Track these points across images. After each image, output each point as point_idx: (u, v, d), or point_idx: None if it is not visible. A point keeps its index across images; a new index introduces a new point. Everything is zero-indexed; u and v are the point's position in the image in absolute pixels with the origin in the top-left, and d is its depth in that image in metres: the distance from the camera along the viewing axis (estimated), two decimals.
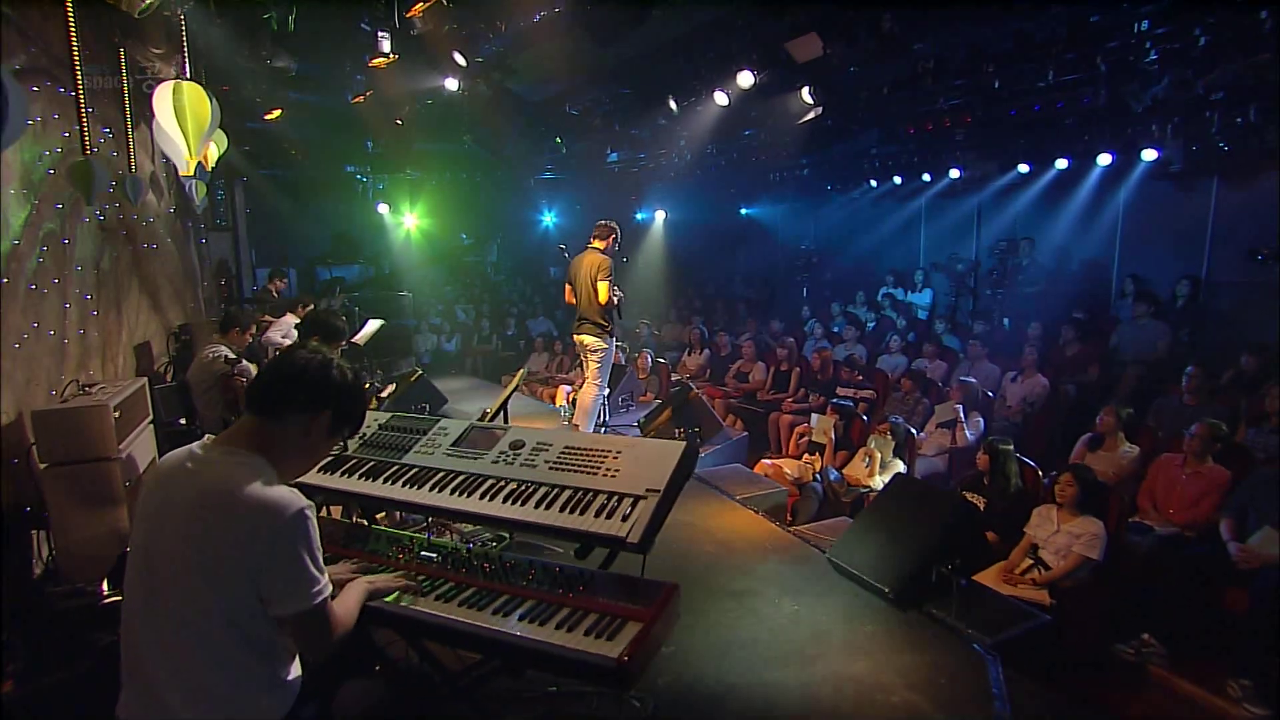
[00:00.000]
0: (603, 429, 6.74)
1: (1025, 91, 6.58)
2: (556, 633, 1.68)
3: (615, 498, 1.88)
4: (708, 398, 8.35)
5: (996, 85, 6.32)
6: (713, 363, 9.34)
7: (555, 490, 1.97)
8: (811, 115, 7.23)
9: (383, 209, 13.98)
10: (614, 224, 5.69)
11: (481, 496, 2.00)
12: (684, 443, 1.97)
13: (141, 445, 3.55)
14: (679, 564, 3.80)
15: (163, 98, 3.63)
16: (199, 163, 5.58)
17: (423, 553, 2.08)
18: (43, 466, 3.09)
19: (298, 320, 6.84)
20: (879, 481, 5.26)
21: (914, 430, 5.62)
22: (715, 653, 2.94)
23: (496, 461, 2.12)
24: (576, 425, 5.78)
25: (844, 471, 5.61)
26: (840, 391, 7.25)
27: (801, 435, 6.50)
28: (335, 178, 12.74)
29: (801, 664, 2.85)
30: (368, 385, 4.23)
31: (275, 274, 9.35)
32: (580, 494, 1.93)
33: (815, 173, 10.97)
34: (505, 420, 3.93)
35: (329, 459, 2.25)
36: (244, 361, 4.33)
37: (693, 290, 14.07)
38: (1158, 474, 4.47)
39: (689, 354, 9.74)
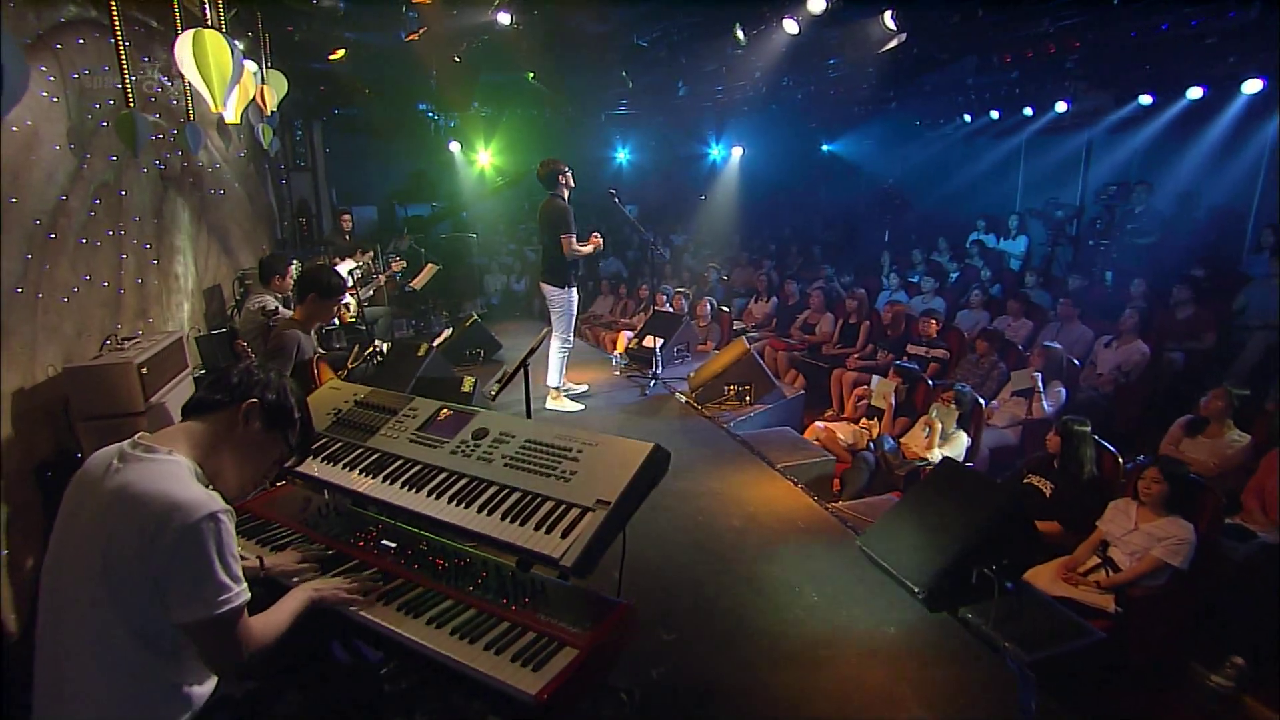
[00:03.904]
0: (653, 382, 6.57)
1: (1151, 7, 5.57)
2: (483, 654, 1.54)
3: (562, 507, 1.70)
4: (770, 349, 8.01)
5: (1115, 1, 5.36)
6: (779, 311, 8.91)
7: (504, 492, 1.81)
8: (894, 43, 6.48)
9: (454, 147, 13.95)
10: (557, 162, 5.40)
11: (430, 493, 1.87)
12: (650, 445, 1.75)
13: (177, 397, 3.66)
14: (700, 538, 3.64)
15: (183, 46, 3.56)
16: (250, 106, 5.63)
17: (383, 541, 2.00)
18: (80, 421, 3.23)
19: (355, 265, 6.95)
20: (938, 454, 4.85)
21: (982, 400, 5.12)
22: (720, 643, 2.78)
23: (455, 452, 1.98)
24: (550, 387, 5.74)
25: (901, 441, 5.21)
26: (910, 349, 6.73)
27: (860, 397, 6.09)
28: (408, 116, 12.74)
29: (810, 666, 2.65)
30: (357, 355, 4.23)
31: (338, 214, 9.48)
32: (528, 499, 1.76)
33: (903, 106, 10.02)
34: (526, 383, 3.81)
35: None
36: (282, 310, 4.38)
37: (767, 232, 13.42)
38: (1272, 469, 3.86)
39: (755, 301, 9.35)
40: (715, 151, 14.99)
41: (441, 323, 8.89)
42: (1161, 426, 4.63)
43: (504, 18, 6.79)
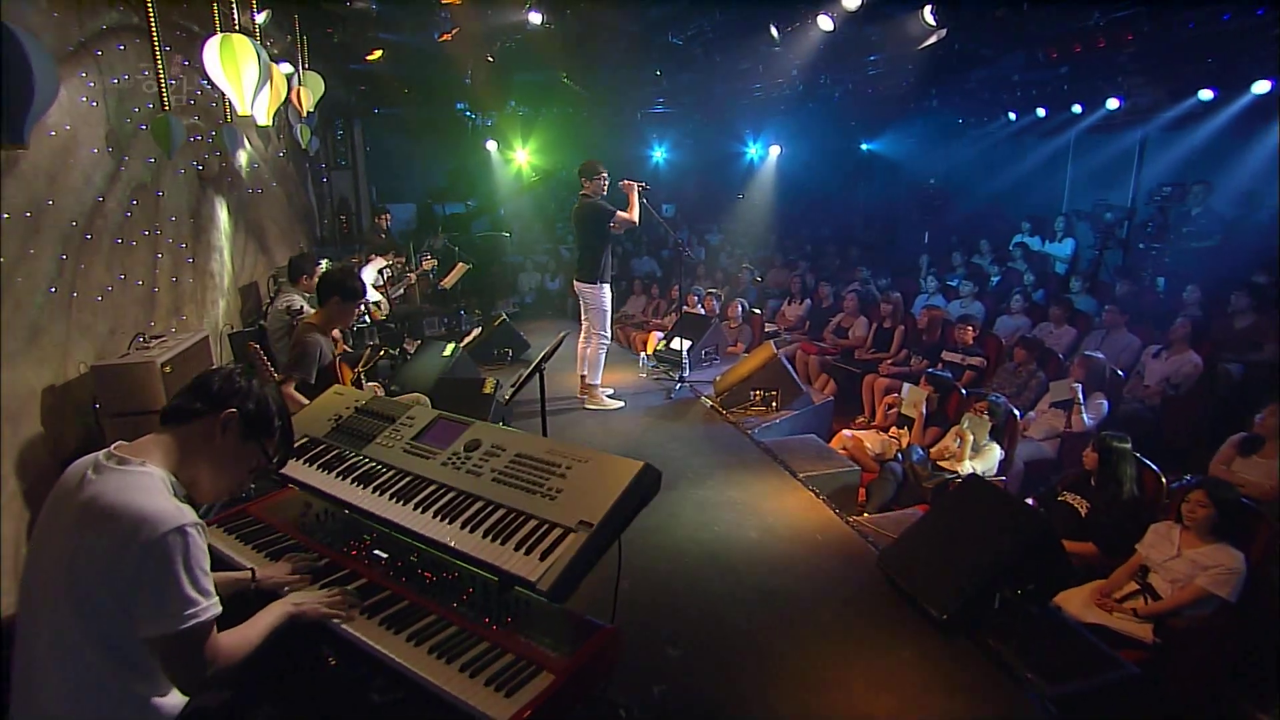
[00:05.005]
0: (679, 385, 6.49)
1: None
2: (457, 676, 1.50)
3: (545, 526, 1.64)
4: (802, 353, 7.85)
5: None
6: (812, 314, 8.73)
7: (489, 508, 1.76)
8: (934, 39, 6.26)
9: (490, 146, 14.05)
10: (593, 163, 5.50)
11: (416, 505, 1.84)
12: (640, 465, 1.68)
13: None
14: (714, 550, 3.56)
15: (211, 51, 3.63)
16: (283, 107, 5.73)
17: (374, 551, 1.98)
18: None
19: (386, 264, 7.04)
20: (969, 467, 4.68)
21: (1018, 411, 4.90)
22: (726, 661, 2.70)
23: (446, 464, 1.94)
24: (583, 377, 5.79)
25: (931, 451, 5.03)
26: (946, 356, 6.51)
27: (891, 405, 5.91)
28: (447, 116, 12.88)
29: (817, 688, 2.55)
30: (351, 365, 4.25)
31: (376, 212, 9.61)
32: (512, 516, 1.71)
33: (946, 104, 9.70)
34: (541, 387, 3.78)
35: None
36: (306, 309, 4.44)
37: (805, 232, 13.19)
38: None
39: (788, 303, 9.18)
40: (753, 150, 14.81)
41: (472, 321, 8.95)
42: (1213, 444, 4.36)
43: (535, 17, 6.80)
